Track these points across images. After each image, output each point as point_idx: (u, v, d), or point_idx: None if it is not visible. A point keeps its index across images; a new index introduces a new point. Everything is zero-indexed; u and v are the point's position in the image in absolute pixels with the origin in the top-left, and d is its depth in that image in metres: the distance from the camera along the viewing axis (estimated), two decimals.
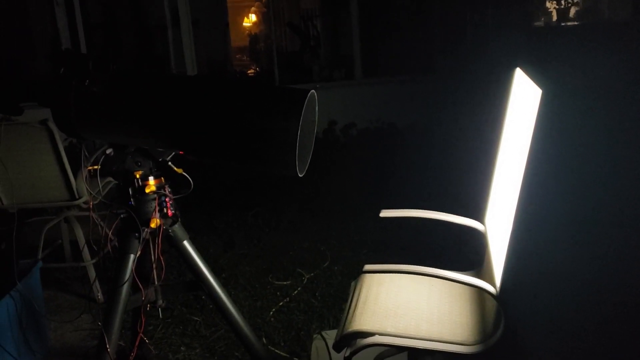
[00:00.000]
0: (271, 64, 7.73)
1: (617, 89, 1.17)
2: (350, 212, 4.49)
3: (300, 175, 1.80)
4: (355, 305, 1.97)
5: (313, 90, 1.80)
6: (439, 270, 1.73)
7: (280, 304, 3.21)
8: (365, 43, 7.17)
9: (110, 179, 2.65)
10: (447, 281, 2.08)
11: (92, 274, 3.32)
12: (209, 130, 1.79)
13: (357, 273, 3.45)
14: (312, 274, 3.53)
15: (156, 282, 2.22)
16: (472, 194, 2.54)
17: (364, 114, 6.51)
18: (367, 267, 1.75)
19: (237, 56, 12.89)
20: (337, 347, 1.84)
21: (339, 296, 3.22)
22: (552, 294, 1.64)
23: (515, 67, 1.98)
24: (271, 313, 3.13)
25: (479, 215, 2.21)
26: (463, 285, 2.06)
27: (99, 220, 2.18)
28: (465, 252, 3.13)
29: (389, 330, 1.80)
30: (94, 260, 3.28)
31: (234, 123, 1.76)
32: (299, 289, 3.36)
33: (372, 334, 1.78)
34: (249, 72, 10.98)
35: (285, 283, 3.45)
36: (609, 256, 1.25)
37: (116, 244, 2.12)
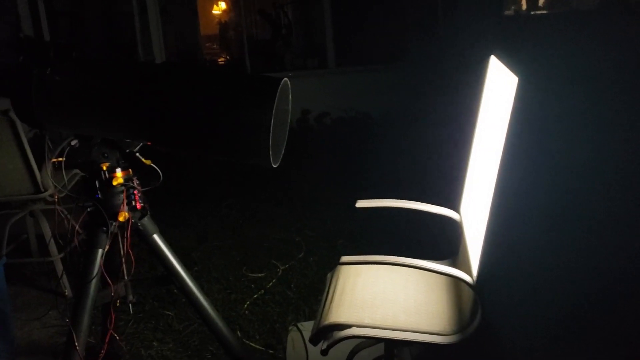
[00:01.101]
0: (242, 53, 7.63)
1: (593, 76, 1.16)
2: (325, 203, 4.46)
3: (274, 166, 1.76)
4: (332, 297, 1.94)
5: (286, 79, 1.76)
6: (415, 260, 1.71)
7: (255, 296, 3.17)
8: (338, 31, 7.12)
9: (77, 171, 2.56)
10: (423, 271, 2.06)
11: (59, 268, 3.23)
12: (179, 120, 1.73)
13: (332, 264, 3.41)
14: (287, 266, 3.49)
15: (126, 277, 2.15)
16: (448, 183, 2.52)
17: (338, 103, 6.48)
18: (344, 258, 1.72)
19: (207, 45, 12.71)
20: (314, 340, 1.81)
21: (315, 287, 3.19)
22: (528, 284, 1.63)
23: (490, 54, 1.96)
24: (245, 306, 3.08)
25: (454, 204, 2.20)
26: (439, 275, 2.04)
27: (66, 213, 2.11)
28: (440, 242, 3.13)
29: (367, 321, 1.77)
30: (60, 255, 3.19)
31: (205, 112, 1.70)
32: (273, 280, 3.32)
33: (349, 326, 1.75)
34: (219, 60, 10.84)
35: (259, 275, 3.41)
36: (585, 248, 1.24)
37: (84, 237, 2.06)
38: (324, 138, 6.35)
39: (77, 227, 2.01)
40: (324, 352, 1.75)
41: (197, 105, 1.71)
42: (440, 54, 5.31)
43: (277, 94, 1.67)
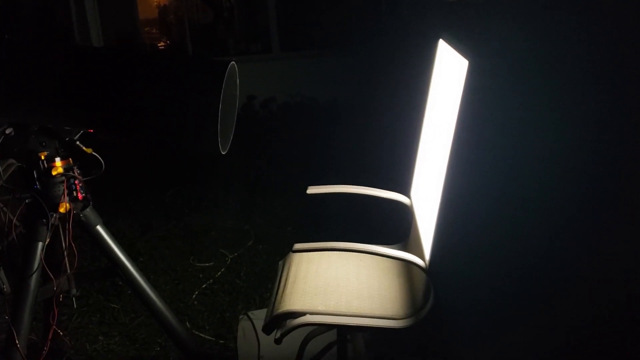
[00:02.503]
0: (183, 37, 7.43)
1: (551, 56, 1.17)
2: (274, 189, 4.42)
3: (223, 153, 1.71)
4: (284, 285, 1.92)
5: (233, 62, 1.71)
6: (368, 245, 1.70)
7: (204, 286, 3.11)
8: (282, 16, 7.03)
9: (12, 161, 2.43)
10: (375, 256, 2.07)
11: None
12: (122, 107, 1.65)
13: (282, 251, 3.41)
14: (235, 254, 3.44)
15: (68, 271, 2.06)
16: (397, 167, 2.53)
17: (284, 89, 6.42)
18: (297, 246, 1.70)
19: (146, 29, 12.31)
20: (267, 329, 1.79)
21: (265, 275, 3.16)
22: (478, 268, 1.65)
23: (438, 38, 1.97)
24: (194, 296, 3.02)
25: (404, 189, 2.21)
26: (391, 260, 2.06)
27: (2, 206, 2.00)
28: (390, 226, 3.16)
29: (320, 308, 1.76)
30: None
31: (150, 98, 1.64)
32: (222, 270, 3.27)
33: (302, 314, 1.74)
34: (159, 45, 10.52)
35: (207, 265, 3.35)
36: (536, 233, 1.26)
37: (22, 231, 1.95)
38: (270, 124, 6.29)
39: (14, 220, 1.90)
40: (278, 341, 1.73)
41: (141, 90, 1.64)
42: (385, 38, 5.33)
43: (225, 78, 1.62)
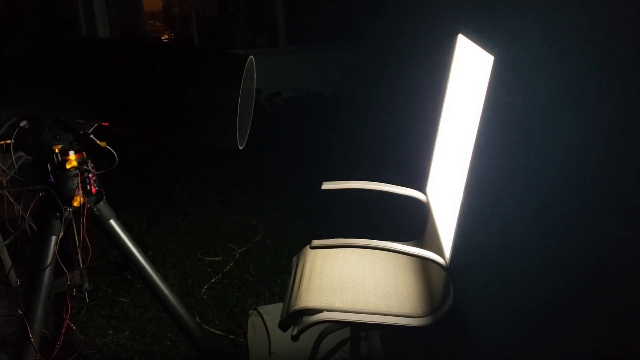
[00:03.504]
0: (189, 30, 7.39)
1: (581, 51, 1.14)
2: (281, 185, 4.40)
3: (240, 148, 1.69)
4: (300, 281, 1.90)
5: (251, 56, 1.69)
6: (388, 243, 1.68)
7: (213, 280, 3.10)
8: (289, 9, 6.99)
9: (22, 153, 2.41)
10: (389, 253, 2.05)
11: (5, 256, 3.05)
12: (141, 100, 1.63)
13: (291, 246, 3.40)
14: (244, 249, 3.42)
15: (81, 265, 2.05)
16: (406, 162, 2.51)
17: (289, 83, 6.38)
18: (315, 242, 1.68)
19: (150, 22, 12.27)
20: (283, 325, 1.77)
21: (274, 270, 3.15)
22: (500, 267, 1.63)
23: (456, 33, 1.94)
24: (203, 290, 3.01)
25: (416, 184, 2.18)
26: (406, 257, 2.04)
27: (6, 195, 1.97)
28: (401, 223, 3.14)
29: (337, 305, 1.74)
30: (6, 242, 3.01)
31: (168, 91, 1.61)
32: (231, 264, 3.26)
33: (319, 311, 1.72)
34: (163, 38, 10.49)
35: (216, 259, 3.33)
36: (563, 231, 1.24)
37: (30, 222, 1.93)
38: (276, 118, 6.26)
39: (27, 213, 1.88)
40: (295, 338, 1.71)
41: (160, 84, 1.62)
42: (393, 34, 5.29)
43: (245, 72, 1.60)
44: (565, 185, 1.26)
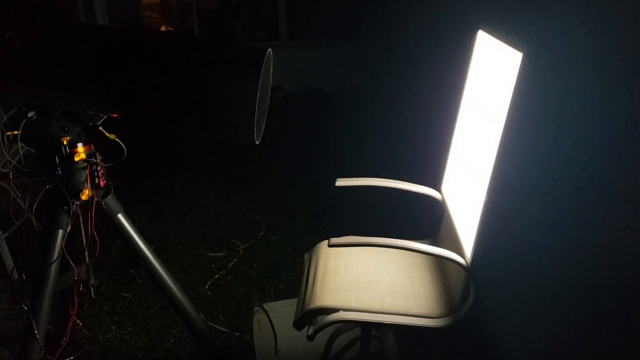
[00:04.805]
0: (186, 22, 7.31)
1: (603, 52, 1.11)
2: (284, 180, 4.34)
3: (257, 142, 1.65)
4: (314, 279, 1.86)
5: (270, 49, 1.64)
6: (409, 242, 1.65)
7: (216, 276, 3.06)
8: (290, 3, 6.93)
9: (22, 145, 2.36)
10: (404, 251, 2.01)
11: (4, 249, 2.99)
12: (156, 92, 1.58)
13: (295, 242, 3.36)
14: (247, 244, 3.38)
15: (87, 260, 2.00)
16: (412, 159, 2.47)
17: (290, 77, 6.31)
18: (333, 241, 1.64)
19: (147, 13, 12.16)
20: (298, 324, 1.73)
21: (279, 266, 3.11)
22: (519, 269, 1.60)
23: (476, 29, 1.90)
24: (207, 287, 2.97)
25: (433, 183, 2.15)
26: (421, 255, 2.00)
27: (7, 186, 1.92)
28: (405, 220, 3.11)
29: (353, 305, 1.71)
30: (6, 234, 2.96)
31: (185, 84, 1.56)
32: (235, 260, 3.21)
33: (335, 310, 1.68)
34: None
35: (219, 254, 3.29)
36: (585, 230, 1.21)
37: (30, 215, 1.88)
38: (277, 113, 6.19)
39: (33, 205, 1.83)
40: (311, 338, 1.67)
41: (175, 75, 1.57)
42: (396, 29, 5.24)
43: (263, 65, 1.56)
44: (594, 187, 1.23)
